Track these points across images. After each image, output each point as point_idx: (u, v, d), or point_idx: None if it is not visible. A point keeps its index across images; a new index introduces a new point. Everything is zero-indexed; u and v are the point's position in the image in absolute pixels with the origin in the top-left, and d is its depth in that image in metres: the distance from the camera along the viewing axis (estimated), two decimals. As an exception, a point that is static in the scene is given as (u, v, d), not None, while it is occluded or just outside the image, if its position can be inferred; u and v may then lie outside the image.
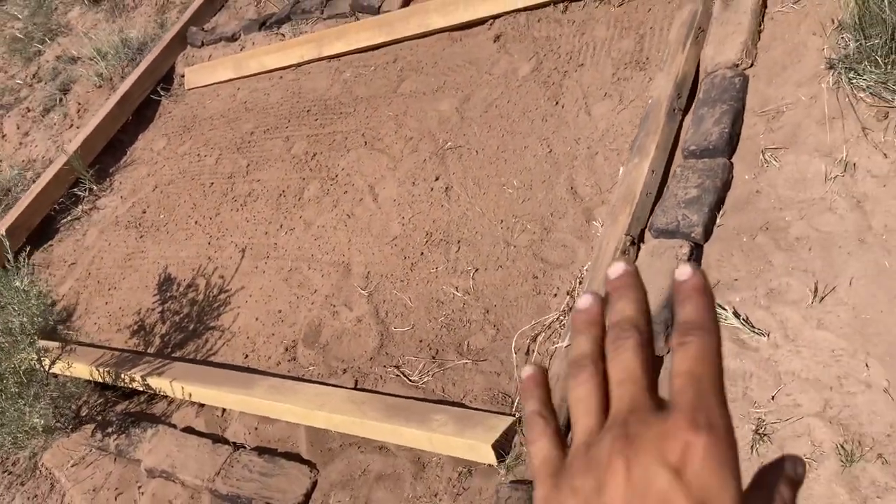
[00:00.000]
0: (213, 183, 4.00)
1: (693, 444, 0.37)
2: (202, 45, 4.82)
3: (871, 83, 2.17)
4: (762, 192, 2.22)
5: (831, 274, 1.94)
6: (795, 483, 0.43)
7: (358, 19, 4.05)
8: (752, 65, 2.49)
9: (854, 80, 2.20)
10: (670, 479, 0.36)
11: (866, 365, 1.77)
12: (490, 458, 2.10)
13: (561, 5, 3.29)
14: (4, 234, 4.19)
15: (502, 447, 2.11)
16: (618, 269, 0.46)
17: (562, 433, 0.45)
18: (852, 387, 1.76)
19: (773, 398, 1.83)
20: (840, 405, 1.75)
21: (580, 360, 0.44)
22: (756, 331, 1.94)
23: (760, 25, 2.55)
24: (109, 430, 2.92)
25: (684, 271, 0.44)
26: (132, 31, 5.36)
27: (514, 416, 2.20)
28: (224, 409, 2.87)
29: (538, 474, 0.43)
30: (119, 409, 3.11)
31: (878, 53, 2.17)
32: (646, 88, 2.78)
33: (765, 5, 2.58)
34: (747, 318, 1.98)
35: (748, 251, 2.11)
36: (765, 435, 1.79)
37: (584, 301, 0.47)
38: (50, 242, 4.37)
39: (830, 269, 1.94)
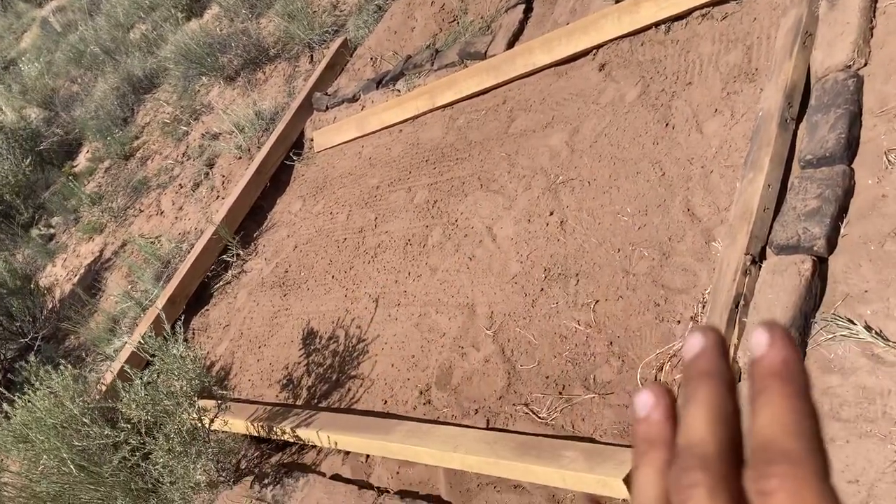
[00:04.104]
0: (345, 238, 4.21)
1: None
2: (327, 108, 5.12)
3: None
4: (888, 196, 2.10)
5: (971, 277, 1.81)
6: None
7: (466, 66, 4.18)
8: (865, 64, 2.37)
9: (980, 67, 2.06)
10: None
11: None
12: (623, 492, 2.08)
13: (663, 27, 3.26)
14: (167, 302, 4.59)
15: (634, 481, 2.09)
16: (693, 344, 0.32)
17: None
18: None
19: (916, 416, 1.72)
20: None
21: None
22: (891, 344, 1.84)
23: (872, 22, 2.43)
24: (266, 481, 3.11)
25: (760, 341, 0.30)
26: (264, 103, 5.77)
27: (644, 448, 2.17)
28: (367, 455, 3.00)
29: None
30: (273, 461, 3.31)
31: None
32: (757, 100, 2.70)
33: (875, 0, 2.47)
34: (881, 331, 1.88)
35: (877, 260, 2.00)
36: (910, 456, 1.68)
37: (642, 403, 0.34)
38: (206, 307, 4.74)
39: (970, 273, 1.81)
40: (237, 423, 3.42)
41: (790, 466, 0.27)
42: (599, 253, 2.82)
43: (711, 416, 0.30)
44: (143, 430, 2.86)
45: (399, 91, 4.59)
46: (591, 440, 2.35)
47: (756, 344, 0.30)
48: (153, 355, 3.08)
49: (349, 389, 3.35)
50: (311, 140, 5.15)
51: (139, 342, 3.45)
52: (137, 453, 2.97)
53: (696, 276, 2.47)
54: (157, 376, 3.06)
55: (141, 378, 2.90)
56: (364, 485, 2.88)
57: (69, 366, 3.22)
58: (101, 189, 7.18)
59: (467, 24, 4.44)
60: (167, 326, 3.01)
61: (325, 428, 3.07)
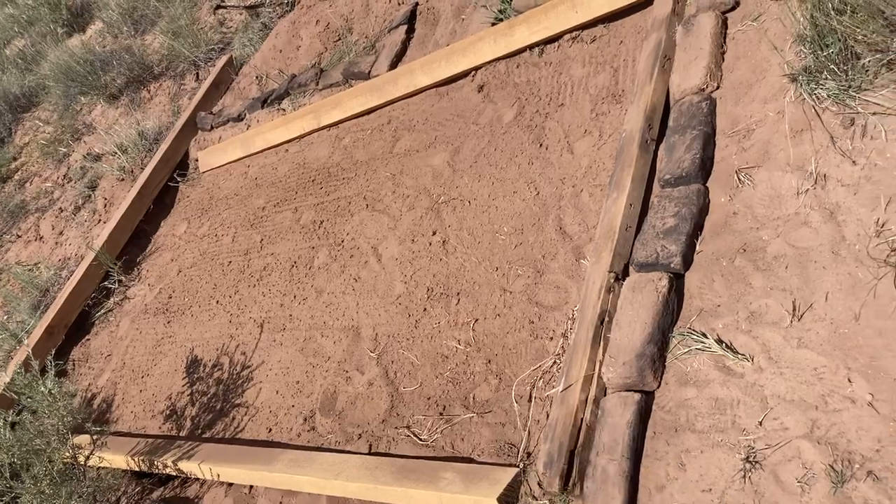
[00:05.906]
0: (230, 261, 4.13)
1: None
2: (212, 128, 5.01)
3: (834, 92, 2.17)
4: (739, 214, 2.21)
5: (808, 290, 1.92)
6: None
7: (351, 86, 4.17)
8: (717, 87, 2.50)
9: (816, 91, 2.20)
10: None
11: (849, 380, 1.74)
12: (497, 511, 2.11)
13: (537, 49, 3.34)
14: (44, 333, 4.38)
15: (508, 499, 2.12)
16: None
17: None
18: (837, 404, 1.73)
19: (760, 423, 1.81)
20: (827, 424, 1.72)
21: None
22: (740, 356, 1.93)
23: (722, 47, 2.57)
24: (146, 517, 3.00)
25: None
26: (148, 123, 5.60)
27: (518, 466, 2.21)
28: (251, 486, 2.93)
29: None
30: (155, 496, 3.20)
31: (836, 62, 2.16)
32: (623, 121, 2.80)
33: (725, 26, 2.60)
34: (730, 344, 1.97)
35: (728, 275, 2.11)
36: (756, 462, 1.77)
37: None
38: (87, 337, 4.55)
39: (807, 286, 1.93)
40: (117, 459, 3.29)
41: None
42: (479, 272, 2.86)
43: None
44: (7, 475, 2.71)
45: (285, 110, 4.54)
46: (470, 460, 2.37)
47: None
48: (20, 394, 2.93)
49: (233, 418, 3.28)
50: (196, 160, 5.03)
51: (7, 382, 3.28)
52: (4, 498, 2.81)
53: (568, 293, 2.54)
54: (26, 415, 2.91)
55: (5, 419, 2.75)
56: (247, 516, 2.82)
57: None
58: (-25, 214, 6.80)
59: (352, 44, 4.44)
60: (35, 363, 2.87)
61: (208, 460, 2.99)
